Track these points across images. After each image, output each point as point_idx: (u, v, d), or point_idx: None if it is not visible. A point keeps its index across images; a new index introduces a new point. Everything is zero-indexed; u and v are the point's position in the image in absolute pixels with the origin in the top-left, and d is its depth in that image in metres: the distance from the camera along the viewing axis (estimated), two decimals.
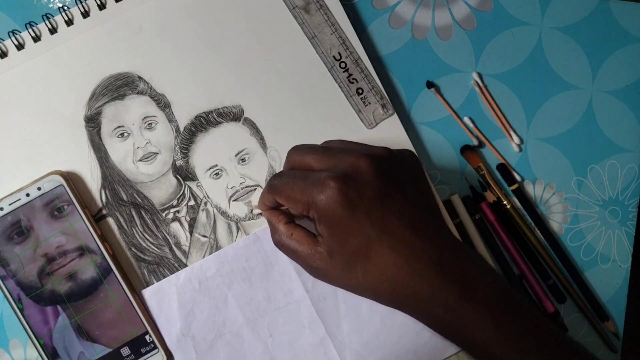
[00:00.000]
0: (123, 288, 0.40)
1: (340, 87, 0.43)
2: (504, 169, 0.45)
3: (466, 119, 0.45)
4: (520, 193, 0.45)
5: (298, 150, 0.37)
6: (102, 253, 0.40)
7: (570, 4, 0.46)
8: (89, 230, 0.40)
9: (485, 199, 0.45)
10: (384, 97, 0.43)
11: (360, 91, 0.43)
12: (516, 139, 0.45)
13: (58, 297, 0.40)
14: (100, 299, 0.40)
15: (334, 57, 0.43)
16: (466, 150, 0.45)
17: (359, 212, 0.33)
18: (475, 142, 0.45)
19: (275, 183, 0.36)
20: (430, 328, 0.34)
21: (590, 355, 0.34)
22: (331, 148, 0.36)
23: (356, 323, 0.42)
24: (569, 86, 0.46)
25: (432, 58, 0.45)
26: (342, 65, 0.43)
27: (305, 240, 0.35)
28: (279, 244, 0.37)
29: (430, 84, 0.45)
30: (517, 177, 0.45)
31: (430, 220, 0.34)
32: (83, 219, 0.40)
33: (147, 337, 0.41)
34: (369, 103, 0.43)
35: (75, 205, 0.40)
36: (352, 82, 0.43)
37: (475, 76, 0.45)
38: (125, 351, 0.41)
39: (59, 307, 0.40)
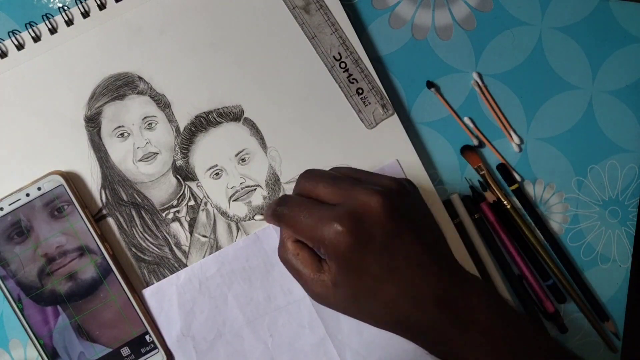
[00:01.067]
0: (123, 288, 0.40)
1: (340, 87, 0.43)
2: (504, 169, 0.45)
3: (466, 119, 0.45)
4: (521, 193, 0.45)
5: (309, 179, 0.36)
6: (102, 253, 0.40)
7: (570, 4, 0.46)
8: (89, 230, 0.40)
9: (485, 199, 0.45)
10: (384, 97, 0.43)
11: (360, 91, 0.43)
12: (516, 139, 0.45)
13: (58, 297, 0.40)
14: (100, 299, 0.40)
15: (334, 57, 0.43)
16: (466, 150, 0.45)
17: (367, 254, 0.33)
18: (475, 142, 0.45)
19: (281, 211, 0.35)
20: (430, 353, 0.35)
21: None
22: (342, 180, 0.35)
23: (356, 323, 0.42)
24: (569, 86, 0.46)
25: (432, 58, 0.45)
26: (342, 65, 0.43)
27: (310, 264, 0.35)
28: (284, 260, 0.37)
29: (430, 84, 0.45)
30: (517, 177, 0.45)
31: (437, 256, 0.34)
32: (83, 219, 0.40)
33: (147, 337, 0.41)
34: (369, 103, 0.43)
35: (75, 205, 0.40)
36: (352, 82, 0.43)
37: (475, 76, 0.45)
38: (126, 351, 0.41)
39: (59, 307, 0.40)
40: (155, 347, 0.41)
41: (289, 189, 0.43)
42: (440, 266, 0.34)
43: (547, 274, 0.45)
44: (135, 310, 0.41)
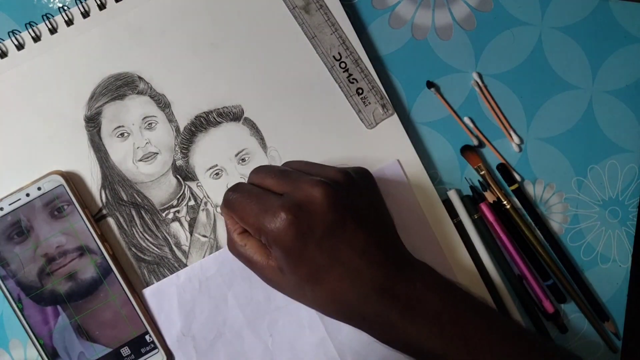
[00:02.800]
0: (123, 288, 0.40)
1: (340, 87, 0.43)
2: (504, 169, 0.45)
3: (466, 119, 0.45)
4: (521, 193, 0.45)
5: (258, 172, 0.37)
6: (102, 253, 0.40)
7: (571, 3, 0.46)
8: (89, 230, 0.40)
9: (485, 199, 0.45)
10: (384, 97, 0.43)
11: (360, 91, 0.43)
12: (516, 139, 0.45)
13: (58, 297, 0.40)
14: (100, 299, 0.40)
15: (334, 57, 0.43)
16: (466, 150, 0.45)
17: (309, 243, 0.33)
18: (475, 142, 0.45)
19: (230, 198, 0.36)
20: (377, 340, 0.36)
21: (552, 347, 0.35)
22: (289, 172, 0.36)
23: None
24: (569, 86, 0.46)
25: (432, 58, 0.45)
26: (342, 65, 0.43)
27: (258, 251, 0.36)
28: (235, 253, 0.37)
29: (430, 84, 0.45)
30: (517, 177, 0.45)
31: (382, 244, 0.35)
32: (83, 219, 0.40)
33: (147, 337, 0.41)
34: (369, 103, 0.43)
35: (75, 205, 0.40)
36: (352, 82, 0.43)
37: (475, 76, 0.45)
38: (126, 351, 0.41)
39: (59, 307, 0.40)
40: (155, 347, 0.41)
41: None
42: (385, 255, 0.34)
43: (547, 274, 0.45)
44: (135, 310, 0.40)
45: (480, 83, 0.45)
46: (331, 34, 0.43)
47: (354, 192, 0.36)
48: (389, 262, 0.34)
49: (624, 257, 0.46)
